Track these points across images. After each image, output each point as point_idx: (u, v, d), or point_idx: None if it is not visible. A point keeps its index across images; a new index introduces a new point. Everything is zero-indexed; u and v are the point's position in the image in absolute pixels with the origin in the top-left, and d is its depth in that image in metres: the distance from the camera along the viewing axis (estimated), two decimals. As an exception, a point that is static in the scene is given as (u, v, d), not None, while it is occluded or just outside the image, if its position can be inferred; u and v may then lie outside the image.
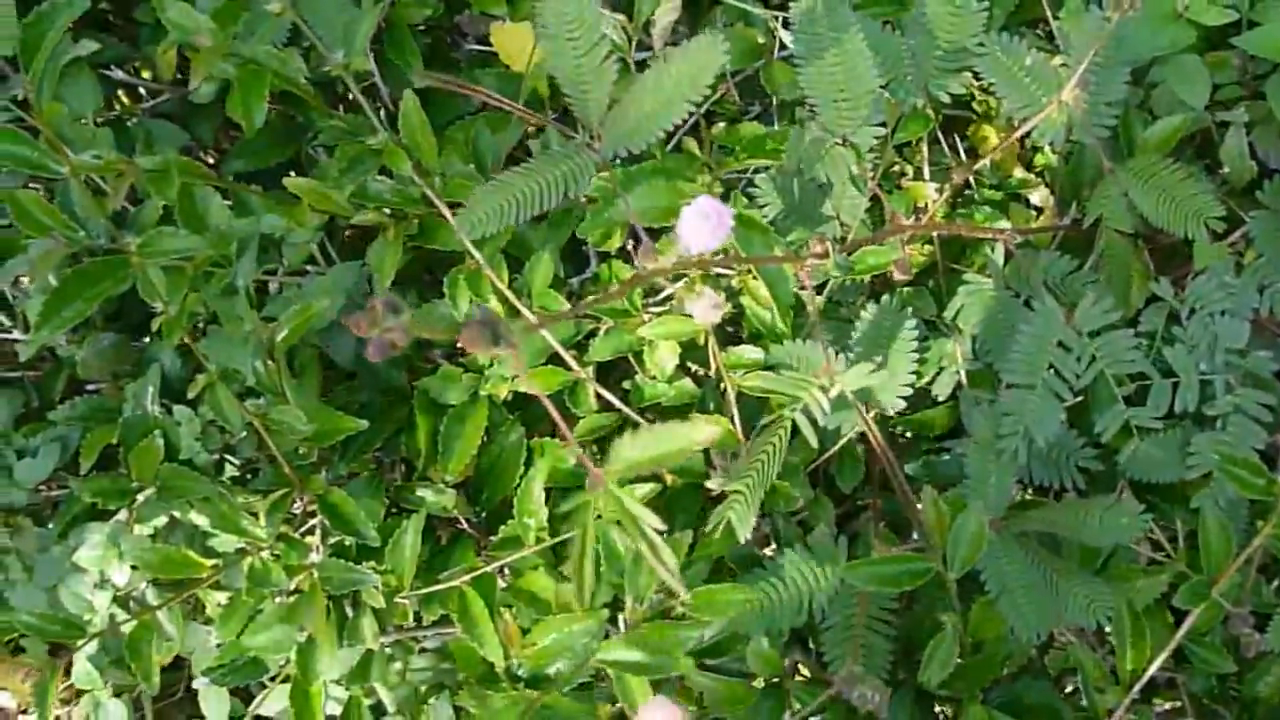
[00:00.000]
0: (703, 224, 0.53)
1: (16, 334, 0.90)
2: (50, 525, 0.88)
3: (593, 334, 0.85)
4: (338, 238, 0.92)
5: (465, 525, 0.87)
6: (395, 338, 0.46)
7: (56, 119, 0.78)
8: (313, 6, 0.89)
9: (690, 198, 0.53)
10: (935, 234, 0.87)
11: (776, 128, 0.98)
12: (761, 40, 0.95)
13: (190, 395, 0.79)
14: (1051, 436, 0.74)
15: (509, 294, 0.80)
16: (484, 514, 0.86)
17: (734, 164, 0.82)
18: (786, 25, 0.88)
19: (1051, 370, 0.74)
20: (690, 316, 0.75)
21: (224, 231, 0.74)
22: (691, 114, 0.95)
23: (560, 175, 0.71)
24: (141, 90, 1.06)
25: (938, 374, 0.84)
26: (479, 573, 0.78)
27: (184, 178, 0.74)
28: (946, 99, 0.83)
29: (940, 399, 0.84)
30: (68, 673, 0.85)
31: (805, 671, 0.84)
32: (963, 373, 0.84)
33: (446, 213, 0.80)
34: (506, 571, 0.81)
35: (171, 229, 0.73)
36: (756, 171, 0.86)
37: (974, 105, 0.97)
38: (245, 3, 0.87)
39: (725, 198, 0.82)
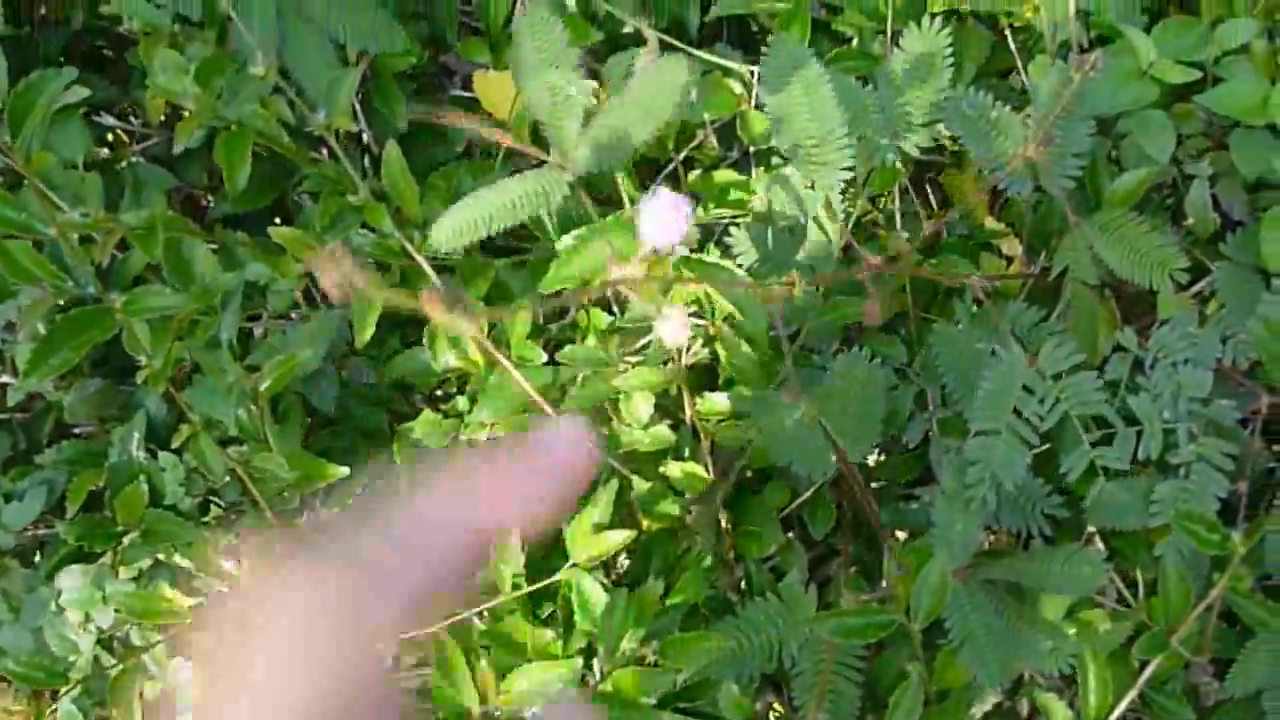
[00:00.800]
0: (663, 217, 0.54)
1: (5, 378, 0.91)
2: (37, 566, 0.90)
3: (572, 380, 0.86)
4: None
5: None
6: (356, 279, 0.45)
7: (45, 168, 0.80)
8: (297, 60, 0.91)
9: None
10: (906, 283, 0.89)
11: (753, 175, 1.00)
12: (738, 90, 0.97)
13: (175, 445, 0.81)
14: (1018, 481, 0.75)
15: (488, 344, 0.82)
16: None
17: (708, 214, 0.84)
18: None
19: (1017, 414, 0.76)
20: (663, 343, 0.76)
21: (209, 286, 0.75)
22: (670, 160, 0.99)
23: (532, 191, 0.74)
24: (131, 131, 1.09)
25: (908, 421, 0.85)
26: (457, 619, 0.80)
27: (170, 231, 0.76)
28: (916, 152, 0.85)
29: (910, 446, 0.86)
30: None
31: (779, 709, 0.85)
32: (933, 420, 0.85)
33: (426, 266, 0.81)
34: (484, 615, 0.83)
35: (157, 287, 0.75)
36: (733, 221, 0.88)
37: (945, 150, 0.99)
38: (227, 60, 0.89)
39: (702, 248, 0.83)
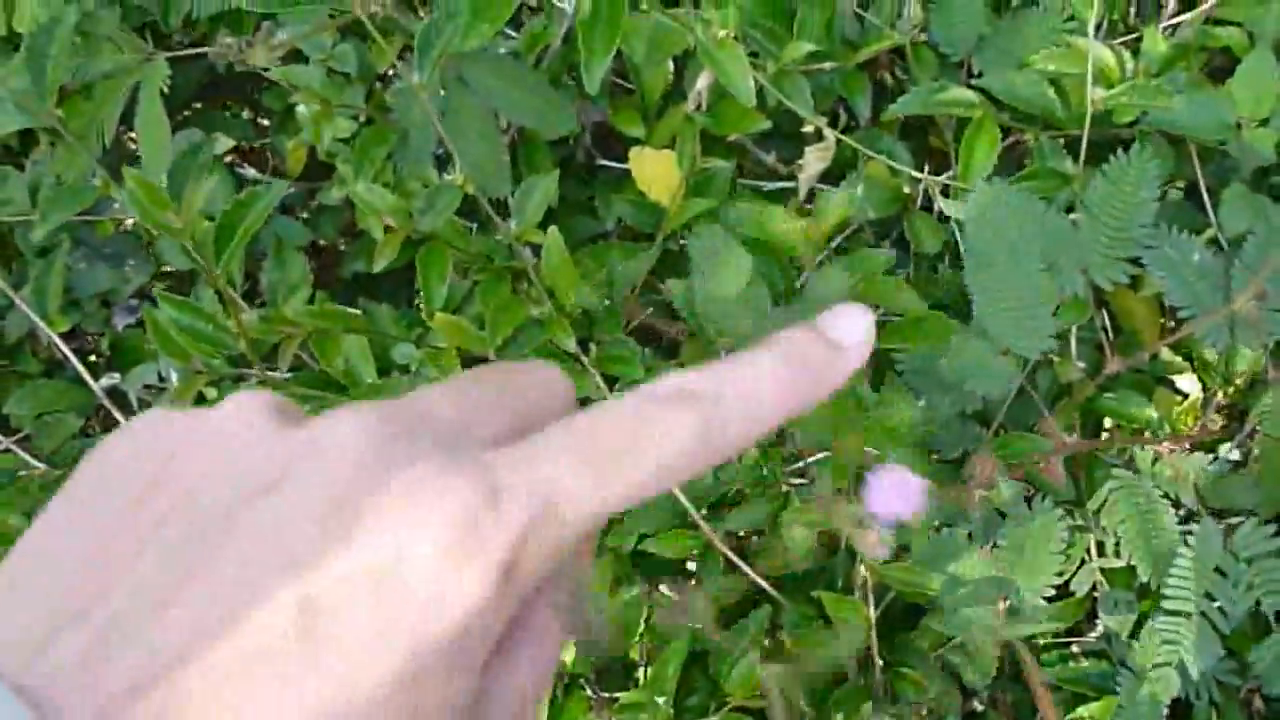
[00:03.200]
0: (895, 495, 0.52)
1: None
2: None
3: (725, 496, 0.83)
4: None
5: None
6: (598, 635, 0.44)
7: (231, 278, 0.77)
8: (455, 129, 0.87)
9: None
10: (1076, 416, 0.85)
11: (912, 274, 0.97)
12: (906, 190, 0.93)
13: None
14: (1207, 669, 0.72)
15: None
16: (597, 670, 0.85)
17: (886, 343, 0.80)
18: (944, 193, 0.86)
19: (1209, 598, 0.73)
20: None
21: (358, 385, 0.72)
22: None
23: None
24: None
25: (1078, 569, 0.82)
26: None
27: (335, 323, 0.72)
28: (1109, 286, 0.81)
29: (1078, 594, 0.82)
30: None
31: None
32: (1098, 569, 0.82)
33: (593, 371, 0.78)
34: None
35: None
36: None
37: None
38: (388, 131, 0.86)
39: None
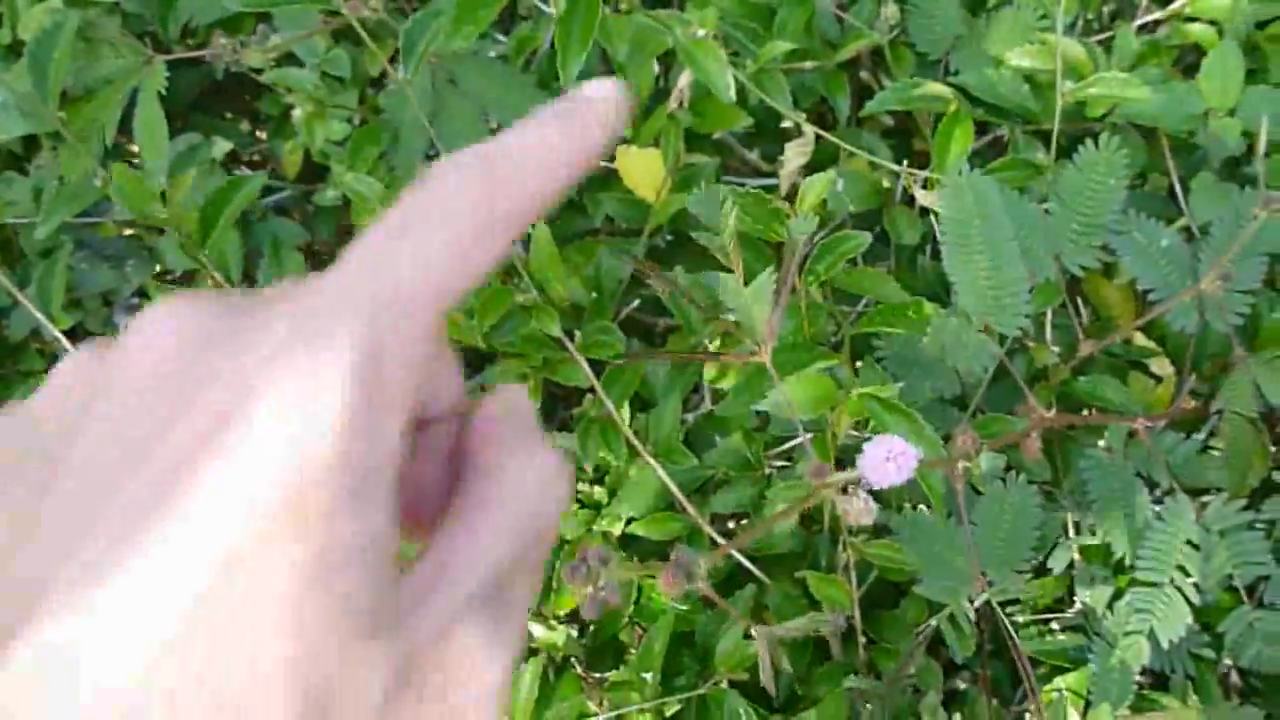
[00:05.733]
0: (889, 464, 0.53)
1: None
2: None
3: (710, 479, 0.85)
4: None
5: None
6: (608, 596, 0.46)
7: (223, 267, 0.79)
8: (446, 130, 0.90)
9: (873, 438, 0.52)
10: (1052, 399, 0.87)
11: (893, 266, 0.99)
12: (886, 184, 0.96)
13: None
14: (1176, 639, 0.74)
15: (635, 442, 0.81)
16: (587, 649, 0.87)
17: (867, 326, 0.83)
18: (924, 185, 0.89)
19: (1181, 571, 0.75)
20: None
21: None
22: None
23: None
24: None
25: (1053, 547, 0.84)
26: (591, 721, 0.79)
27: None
28: (1079, 271, 0.84)
29: (1055, 571, 0.84)
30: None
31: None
32: (1075, 546, 0.84)
33: (579, 357, 0.80)
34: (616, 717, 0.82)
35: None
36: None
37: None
38: (379, 130, 0.88)
39: (855, 369, 0.82)
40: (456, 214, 0.24)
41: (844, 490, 0.65)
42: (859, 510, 0.65)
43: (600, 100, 0.27)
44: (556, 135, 0.26)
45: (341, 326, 0.21)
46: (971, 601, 0.79)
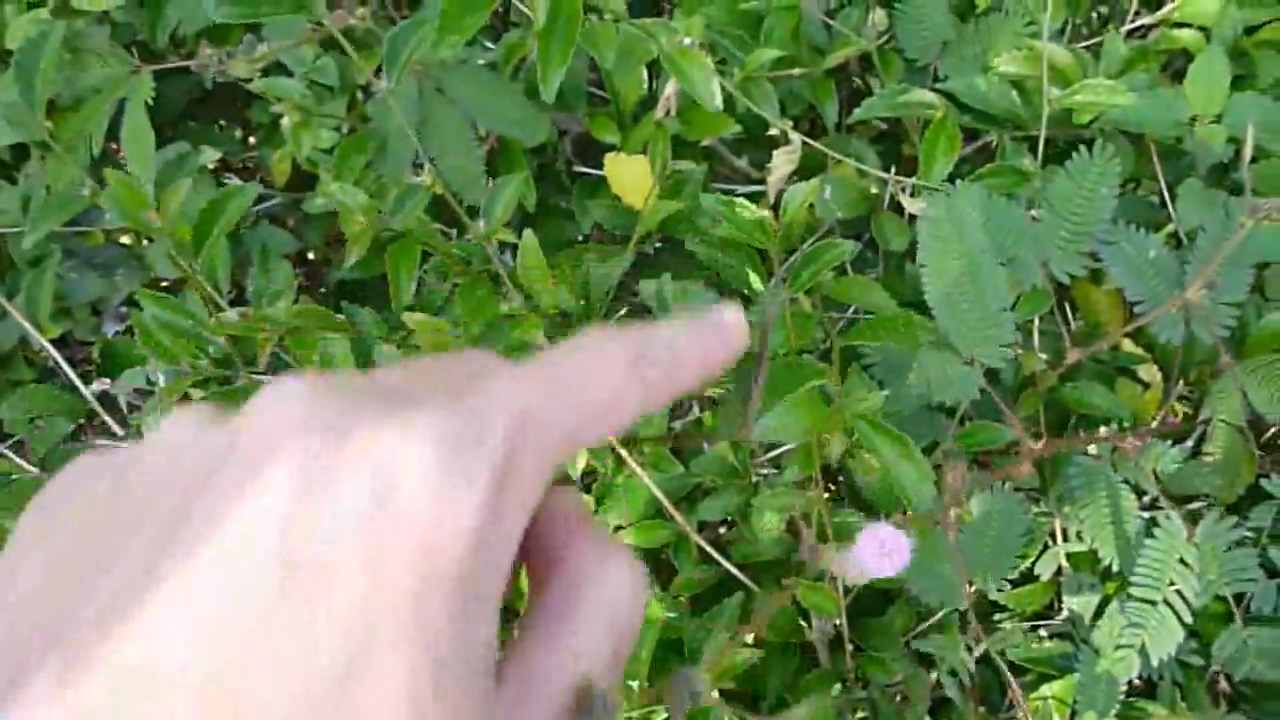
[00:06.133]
0: (883, 555, 0.53)
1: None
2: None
3: (698, 487, 0.85)
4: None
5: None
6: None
7: (213, 277, 0.79)
8: (433, 139, 0.90)
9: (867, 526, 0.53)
10: (1040, 407, 0.87)
11: (882, 273, 0.99)
12: (874, 191, 0.95)
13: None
14: (1167, 657, 0.74)
15: (622, 450, 0.81)
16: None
17: (856, 339, 0.82)
18: (912, 192, 0.89)
19: (1173, 588, 0.75)
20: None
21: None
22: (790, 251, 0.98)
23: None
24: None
25: (1041, 553, 0.84)
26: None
27: (316, 324, 0.75)
28: (1066, 279, 0.84)
29: (1042, 578, 0.84)
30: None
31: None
32: (1062, 553, 0.84)
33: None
34: None
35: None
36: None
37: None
38: (366, 139, 0.88)
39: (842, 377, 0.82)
40: (612, 391, 0.26)
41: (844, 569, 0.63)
42: (855, 577, 0.65)
43: (735, 326, 0.30)
44: (707, 343, 0.29)
45: (491, 425, 0.22)
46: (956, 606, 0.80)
